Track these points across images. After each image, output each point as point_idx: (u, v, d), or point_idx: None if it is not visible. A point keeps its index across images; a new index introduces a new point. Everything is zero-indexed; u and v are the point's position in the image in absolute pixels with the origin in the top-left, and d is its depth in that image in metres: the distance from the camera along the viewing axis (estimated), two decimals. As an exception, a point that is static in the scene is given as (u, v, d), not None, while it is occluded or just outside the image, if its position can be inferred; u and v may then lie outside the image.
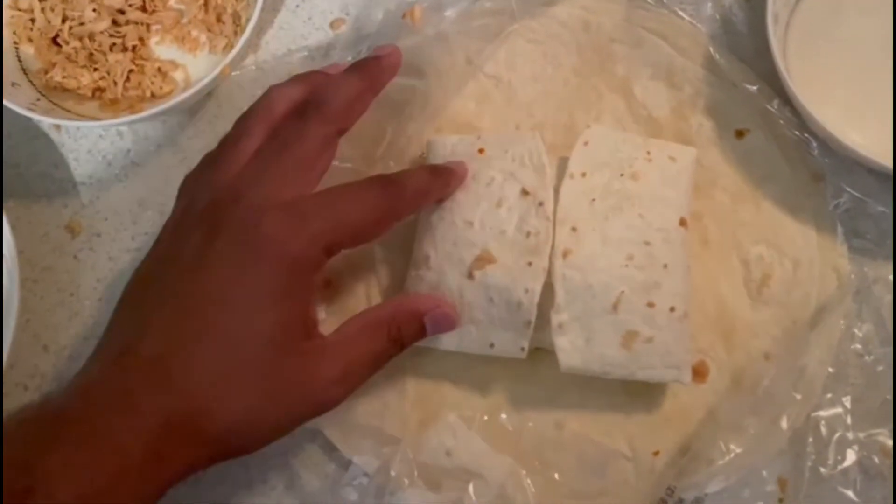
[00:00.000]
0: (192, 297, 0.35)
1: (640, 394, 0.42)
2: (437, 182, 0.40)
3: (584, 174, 0.41)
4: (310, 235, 0.36)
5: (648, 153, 0.42)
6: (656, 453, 0.41)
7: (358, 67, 0.41)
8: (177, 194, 0.39)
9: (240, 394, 0.34)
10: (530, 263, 0.39)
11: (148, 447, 0.32)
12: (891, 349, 0.42)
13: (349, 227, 0.37)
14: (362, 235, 0.38)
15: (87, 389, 0.34)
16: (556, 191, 0.40)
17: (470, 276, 0.40)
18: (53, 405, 0.33)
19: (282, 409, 0.35)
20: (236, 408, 0.34)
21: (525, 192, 0.40)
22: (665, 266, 0.40)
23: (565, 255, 0.39)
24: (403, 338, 0.38)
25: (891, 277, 0.44)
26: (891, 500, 0.40)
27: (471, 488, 0.40)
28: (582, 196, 0.40)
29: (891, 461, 0.41)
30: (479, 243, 0.40)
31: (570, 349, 0.39)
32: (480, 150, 0.42)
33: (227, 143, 0.39)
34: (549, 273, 0.39)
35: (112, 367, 0.34)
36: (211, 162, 0.39)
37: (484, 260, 0.40)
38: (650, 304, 0.39)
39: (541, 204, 0.40)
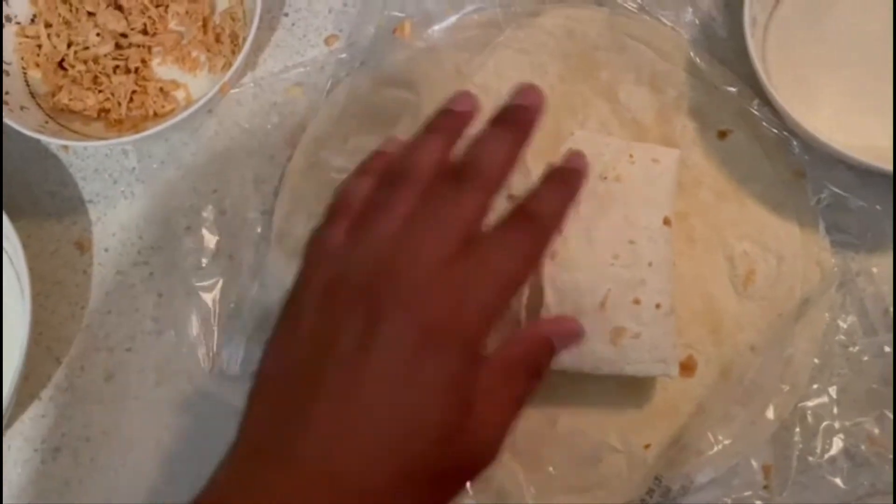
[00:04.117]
0: (355, 391, 0.31)
1: (631, 389, 0.43)
2: (570, 195, 0.36)
3: (568, 178, 0.42)
4: (477, 308, 0.32)
5: (631, 156, 0.43)
6: (647, 446, 0.42)
7: (507, 120, 0.36)
8: (304, 255, 0.36)
9: (408, 495, 0.31)
10: (518, 265, 0.40)
11: None
12: (875, 339, 0.44)
13: (509, 284, 0.34)
14: (519, 285, 0.35)
15: (246, 492, 0.31)
16: (543, 195, 0.42)
17: (461, 279, 0.41)
18: None
19: (449, 492, 0.33)
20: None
21: (510, 197, 0.41)
22: (650, 264, 0.41)
23: (552, 256, 0.41)
24: (539, 369, 0.35)
25: (874, 269, 0.45)
26: (878, 486, 0.41)
27: (468, 486, 0.41)
28: (568, 199, 0.42)
29: (877, 448, 0.42)
30: (470, 247, 0.41)
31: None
32: (469, 158, 0.43)
33: (372, 206, 0.35)
34: (538, 274, 0.41)
35: (273, 472, 0.31)
36: (354, 226, 0.35)
37: (474, 263, 0.41)
38: (636, 301, 0.40)
39: (526, 207, 0.41)
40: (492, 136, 0.36)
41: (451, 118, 0.38)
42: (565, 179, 0.37)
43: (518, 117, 0.37)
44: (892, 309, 0.44)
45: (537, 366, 0.35)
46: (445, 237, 0.33)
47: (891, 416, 0.42)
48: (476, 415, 0.32)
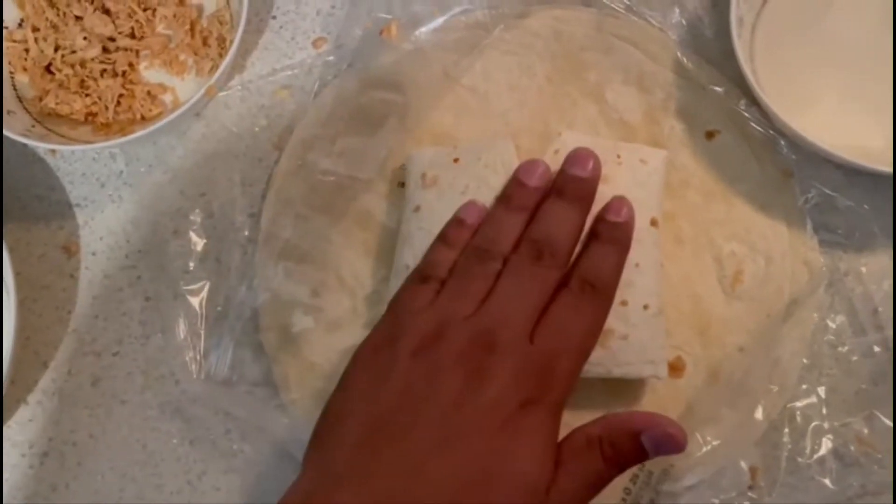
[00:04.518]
0: (448, 439, 0.33)
1: (620, 391, 0.43)
2: (624, 253, 0.40)
3: (556, 180, 0.42)
4: (563, 376, 0.36)
5: (618, 157, 0.43)
6: (636, 447, 0.42)
7: (572, 196, 0.40)
8: (391, 307, 0.39)
9: None
10: (505, 267, 0.40)
11: None
12: (864, 339, 0.43)
13: (585, 350, 0.37)
14: (592, 347, 0.38)
15: None
16: (530, 196, 0.42)
17: (448, 280, 0.41)
18: None
19: None
20: None
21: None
22: (637, 265, 0.41)
23: (539, 257, 0.41)
24: (619, 458, 0.35)
25: (863, 269, 0.45)
26: (867, 487, 0.41)
27: None
28: (554, 200, 0.42)
29: (866, 449, 0.41)
30: (456, 249, 0.41)
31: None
32: (455, 160, 0.43)
33: (462, 275, 0.38)
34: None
35: (353, 498, 0.32)
36: (447, 291, 0.38)
37: (461, 265, 0.41)
38: (623, 303, 0.40)
39: (513, 209, 0.41)
40: (560, 212, 0.40)
41: (526, 194, 0.41)
42: (617, 239, 0.40)
43: (581, 193, 0.40)
44: (880, 308, 0.44)
45: (615, 452, 0.34)
46: (532, 309, 0.37)
47: (880, 416, 0.42)
48: (557, 484, 0.34)
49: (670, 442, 0.34)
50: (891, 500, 0.41)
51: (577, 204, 0.40)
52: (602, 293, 0.38)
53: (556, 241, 0.39)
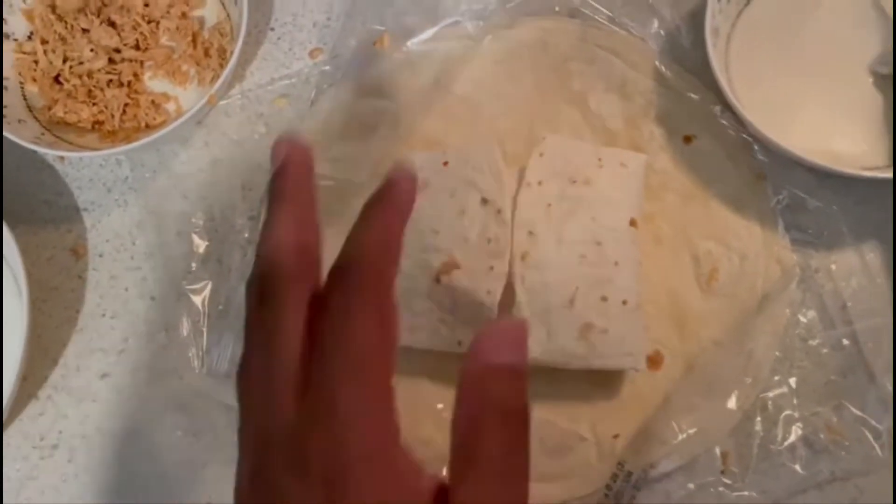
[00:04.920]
0: None
1: (601, 382, 0.45)
2: (393, 215, 0.31)
3: (540, 182, 0.44)
4: (362, 449, 0.27)
5: (600, 160, 0.45)
6: (616, 436, 0.44)
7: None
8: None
9: None
10: (492, 267, 0.43)
11: None
12: (833, 332, 0.46)
13: (371, 380, 0.28)
14: (389, 361, 0.29)
15: None
16: (515, 199, 0.44)
17: (437, 280, 0.43)
18: None
19: None
20: None
21: (484, 201, 0.44)
22: (616, 263, 0.43)
23: (523, 257, 0.43)
24: (506, 399, 0.28)
25: (833, 266, 0.47)
26: (836, 474, 0.43)
27: (445, 471, 0.43)
28: (538, 202, 0.44)
29: (834, 437, 0.44)
30: (445, 250, 0.43)
31: (531, 343, 0.42)
32: (445, 164, 0.46)
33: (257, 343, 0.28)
34: (510, 275, 0.43)
35: None
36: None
37: (450, 265, 0.43)
38: (604, 298, 0.42)
39: (499, 211, 0.43)
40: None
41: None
42: (382, 198, 0.30)
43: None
44: (849, 304, 0.46)
45: (500, 398, 0.28)
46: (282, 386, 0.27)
47: (849, 405, 0.44)
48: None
49: (516, 331, 0.29)
50: (858, 485, 0.43)
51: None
52: (366, 276, 0.28)
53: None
